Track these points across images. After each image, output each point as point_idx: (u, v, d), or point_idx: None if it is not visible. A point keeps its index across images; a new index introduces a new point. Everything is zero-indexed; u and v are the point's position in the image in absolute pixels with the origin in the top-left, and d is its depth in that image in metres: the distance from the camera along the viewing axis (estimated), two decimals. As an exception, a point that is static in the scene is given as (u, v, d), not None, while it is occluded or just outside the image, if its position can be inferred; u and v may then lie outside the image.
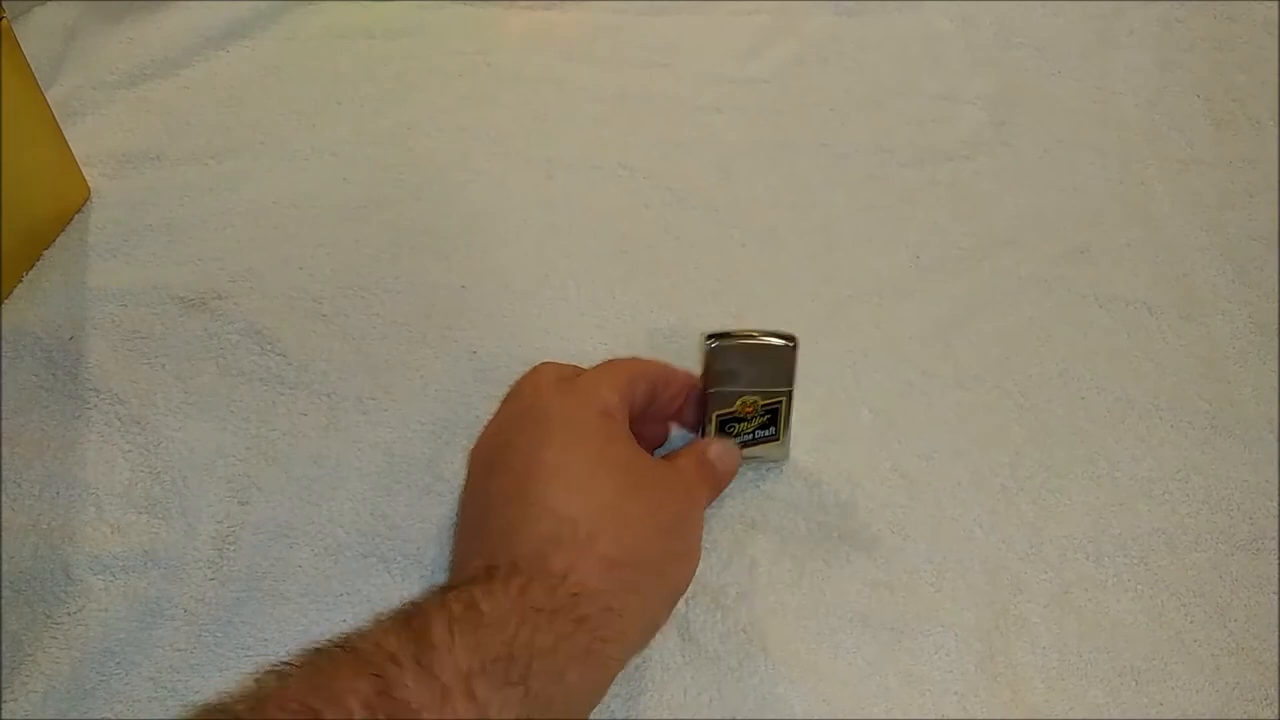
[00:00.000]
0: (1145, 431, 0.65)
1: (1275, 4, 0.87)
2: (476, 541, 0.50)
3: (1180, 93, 0.83)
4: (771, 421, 0.59)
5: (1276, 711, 0.56)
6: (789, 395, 0.59)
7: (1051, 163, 0.78)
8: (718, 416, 0.58)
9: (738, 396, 0.58)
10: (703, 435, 0.59)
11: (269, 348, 0.66)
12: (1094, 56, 0.85)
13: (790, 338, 0.57)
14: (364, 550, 0.59)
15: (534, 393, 0.54)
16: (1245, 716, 0.56)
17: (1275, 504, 0.63)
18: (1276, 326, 0.70)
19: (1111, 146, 0.79)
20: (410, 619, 0.41)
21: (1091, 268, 0.72)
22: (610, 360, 0.56)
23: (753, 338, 0.57)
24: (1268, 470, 0.64)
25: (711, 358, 0.57)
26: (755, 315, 0.69)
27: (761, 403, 0.58)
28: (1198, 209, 0.76)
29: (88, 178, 0.73)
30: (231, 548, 0.59)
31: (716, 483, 0.57)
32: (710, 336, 0.56)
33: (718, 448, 0.57)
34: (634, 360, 0.57)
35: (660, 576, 0.50)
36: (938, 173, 0.77)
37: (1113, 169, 0.78)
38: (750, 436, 0.59)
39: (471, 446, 0.57)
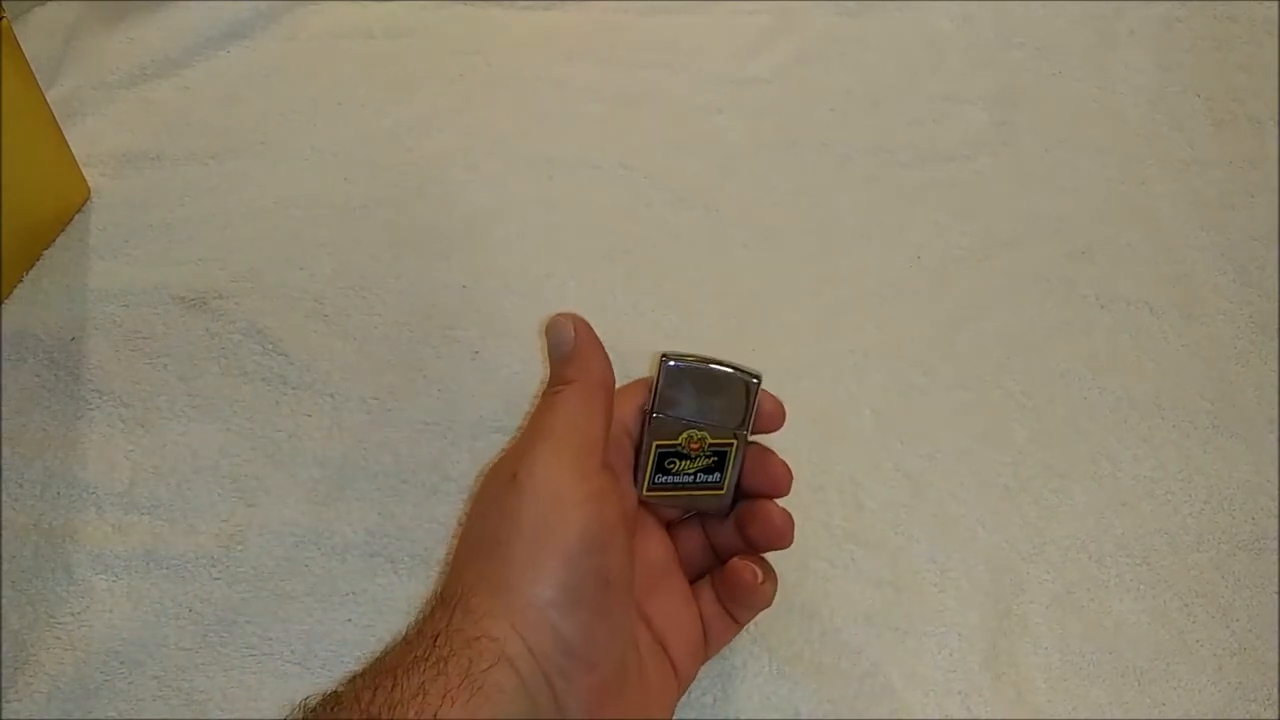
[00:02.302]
0: (1147, 431, 0.65)
1: (1275, 4, 0.87)
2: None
3: (1180, 93, 0.83)
4: (717, 466, 0.52)
5: (1278, 712, 0.56)
6: (743, 440, 0.52)
7: (1052, 163, 0.78)
8: (658, 448, 0.52)
9: (684, 429, 0.51)
10: (636, 468, 0.52)
11: (271, 348, 0.66)
12: (1094, 56, 0.85)
13: (755, 374, 0.51)
14: (371, 550, 0.59)
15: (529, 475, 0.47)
16: (1247, 716, 0.56)
17: (1277, 504, 0.63)
18: (1277, 326, 0.70)
19: (1111, 146, 0.79)
20: None
21: (1092, 268, 0.72)
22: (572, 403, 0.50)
23: (713, 363, 0.51)
24: (1269, 470, 0.64)
25: (663, 378, 0.51)
26: (755, 315, 0.69)
27: (710, 441, 0.51)
28: (1198, 209, 0.76)
29: (88, 178, 0.73)
30: (238, 548, 0.59)
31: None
32: (666, 355, 0.51)
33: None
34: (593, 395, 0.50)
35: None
36: (938, 173, 0.77)
37: (1113, 169, 0.78)
38: (691, 478, 0.52)
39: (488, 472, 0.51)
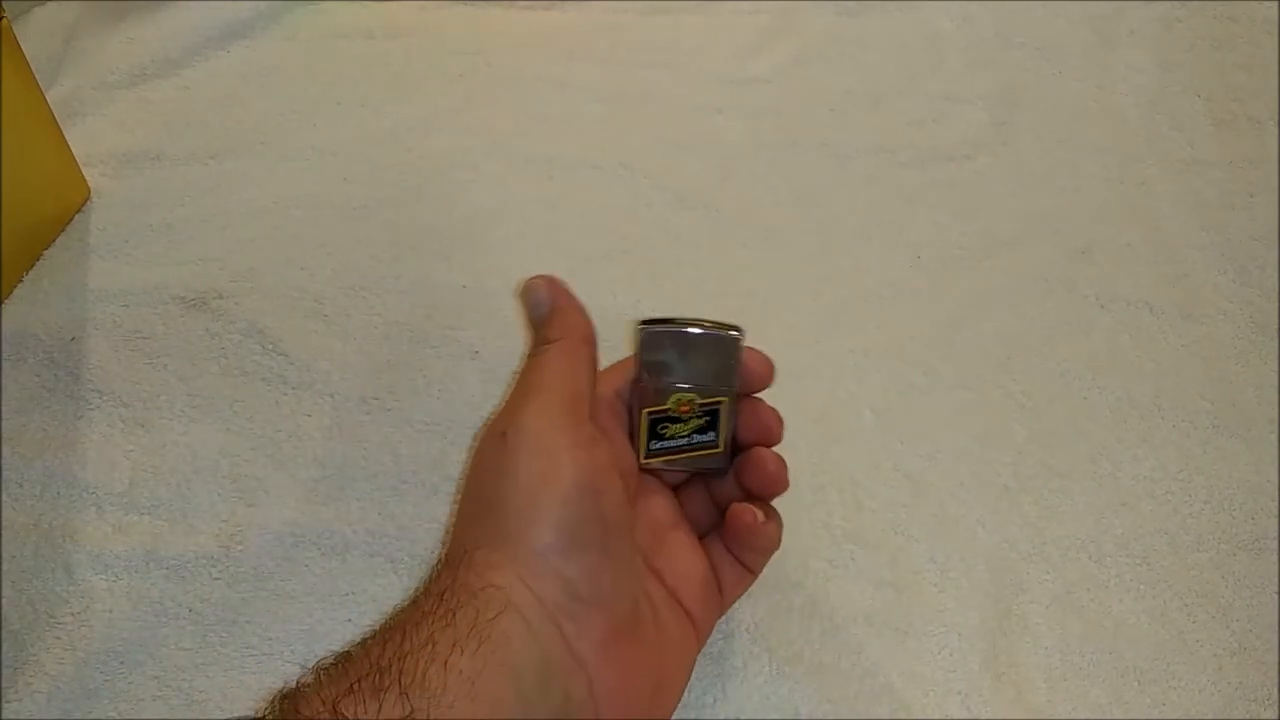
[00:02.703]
0: (1147, 431, 0.65)
1: (1275, 4, 0.87)
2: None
3: (1180, 93, 0.83)
4: (710, 425, 0.52)
5: (1278, 712, 0.56)
6: (732, 397, 0.52)
7: (1052, 163, 0.78)
8: (649, 415, 0.52)
9: (671, 392, 0.51)
10: (633, 438, 0.52)
11: (271, 348, 0.66)
12: (1094, 56, 0.85)
13: (735, 328, 0.51)
14: (371, 550, 0.59)
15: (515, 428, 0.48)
16: (1247, 717, 0.56)
17: (1277, 504, 0.63)
18: (1277, 326, 0.70)
19: (1111, 146, 0.79)
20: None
21: (1092, 268, 0.72)
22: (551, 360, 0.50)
23: (692, 324, 0.51)
24: (1269, 470, 0.64)
25: (643, 345, 0.51)
26: (755, 315, 0.69)
27: (699, 402, 0.51)
28: (1198, 209, 0.76)
29: (88, 178, 0.73)
30: (238, 548, 0.59)
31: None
32: (644, 322, 0.51)
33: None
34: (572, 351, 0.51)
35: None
36: (938, 173, 0.77)
37: (1113, 169, 0.78)
38: (686, 440, 0.52)
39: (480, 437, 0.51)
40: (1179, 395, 0.67)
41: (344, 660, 0.41)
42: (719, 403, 0.52)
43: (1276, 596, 0.60)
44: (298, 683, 0.41)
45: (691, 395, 0.51)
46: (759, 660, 0.56)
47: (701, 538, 0.54)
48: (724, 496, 0.54)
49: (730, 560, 0.53)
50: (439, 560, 0.46)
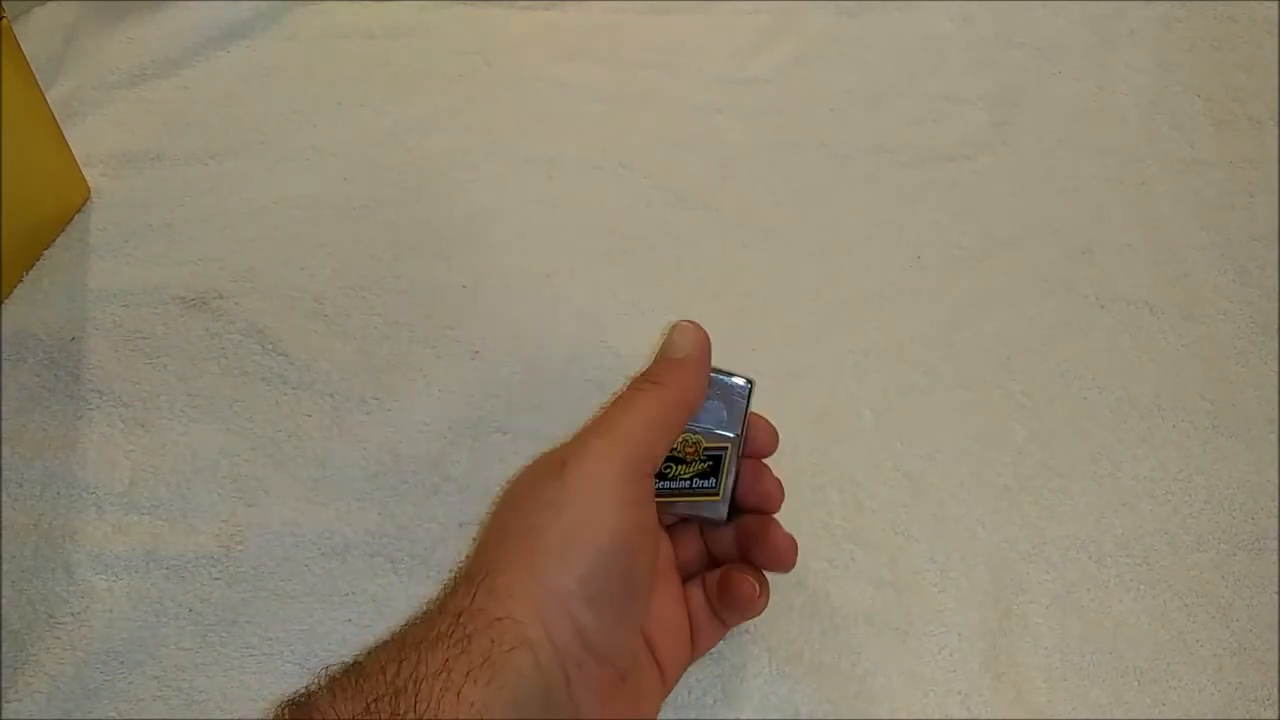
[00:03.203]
0: (1147, 431, 0.65)
1: (1275, 4, 0.87)
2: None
3: (1180, 93, 0.83)
4: (712, 471, 0.52)
5: (1278, 712, 0.56)
6: (737, 446, 0.52)
7: (1052, 163, 0.78)
8: None
9: (680, 435, 0.51)
10: None
11: (271, 348, 0.66)
12: (1094, 56, 0.85)
13: (747, 380, 0.53)
14: (371, 550, 0.59)
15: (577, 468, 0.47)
16: (1247, 717, 0.56)
17: (1277, 504, 0.63)
18: (1277, 326, 0.70)
19: (1111, 146, 0.79)
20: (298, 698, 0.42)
21: (1093, 268, 0.72)
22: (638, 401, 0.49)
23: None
24: (1269, 470, 0.64)
25: None
26: (755, 315, 0.69)
27: (704, 446, 0.52)
28: (1198, 209, 0.76)
29: (88, 178, 0.73)
30: (238, 548, 0.59)
31: None
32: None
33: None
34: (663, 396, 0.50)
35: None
36: (938, 173, 0.77)
37: (1113, 169, 0.78)
38: (687, 484, 0.52)
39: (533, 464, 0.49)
40: (1179, 395, 0.67)
41: (357, 674, 0.41)
42: (723, 449, 0.52)
43: (1276, 596, 0.60)
44: (307, 690, 0.41)
45: (697, 438, 0.52)
46: (759, 660, 0.56)
47: (686, 580, 0.54)
48: (719, 548, 0.55)
49: (709, 615, 0.53)
50: (460, 572, 0.46)
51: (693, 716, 0.54)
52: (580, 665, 0.43)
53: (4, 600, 0.57)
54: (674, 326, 0.51)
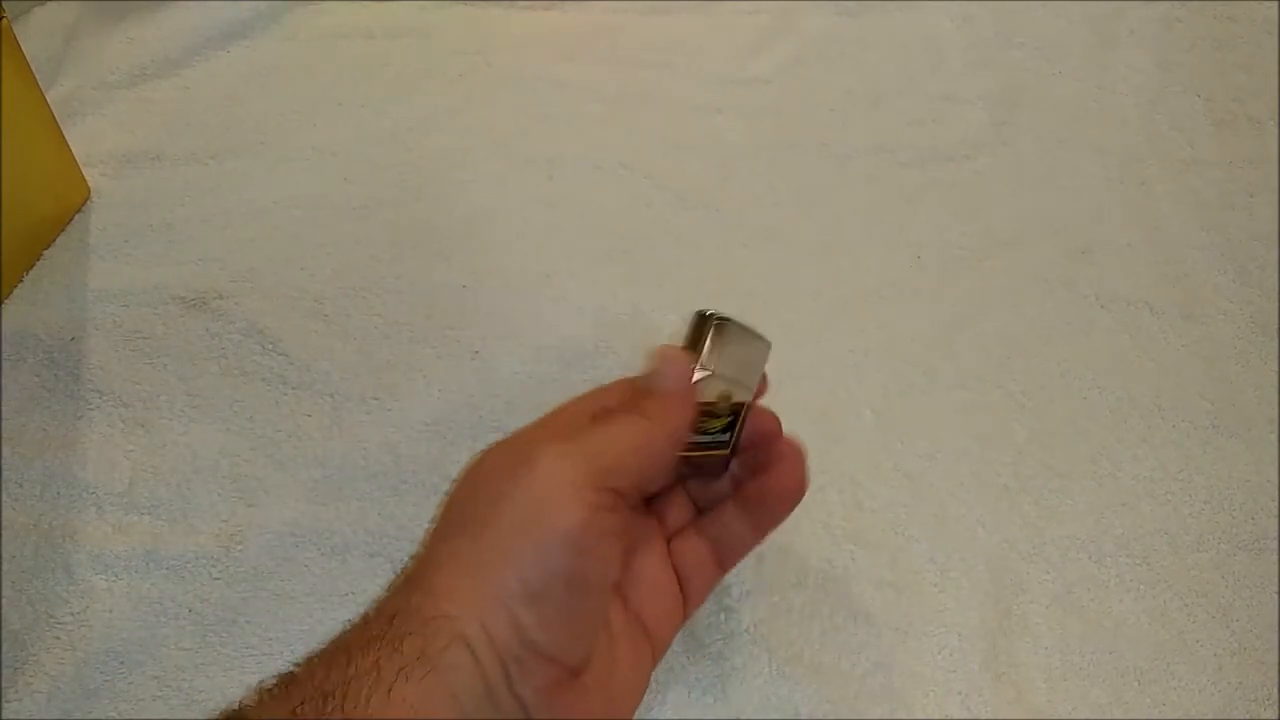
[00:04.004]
0: (1147, 431, 0.65)
1: (1275, 4, 0.87)
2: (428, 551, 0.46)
3: (1180, 93, 0.83)
4: (731, 426, 0.50)
5: (1278, 712, 0.56)
6: (750, 404, 0.51)
7: (1052, 163, 0.78)
8: (702, 407, 0.49)
9: (721, 386, 0.49)
10: None
11: (271, 348, 0.66)
12: (1094, 56, 0.85)
13: (768, 342, 0.51)
14: (371, 550, 0.59)
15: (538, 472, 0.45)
16: (1247, 717, 0.56)
17: (1277, 504, 0.63)
18: (1277, 326, 0.70)
19: (1111, 146, 0.79)
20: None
21: (1092, 268, 0.72)
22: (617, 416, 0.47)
23: (742, 323, 0.50)
24: (1269, 470, 0.64)
25: (712, 334, 0.49)
26: (755, 315, 0.69)
27: (732, 401, 0.50)
28: (1198, 209, 0.76)
29: (88, 178, 0.73)
30: (238, 548, 0.59)
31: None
32: (709, 312, 0.49)
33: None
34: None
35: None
36: (938, 173, 0.77)
37: (1113, 169, 0.78)
38: (711, 438, 0.50)
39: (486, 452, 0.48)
40: (1179, 395, 0.67)
41: (288, 682, 0.40)
42: (743, 405, 0.50)
43: (1276, 596, 0.60)
44: (240, 704, 0.40)
45: (729, 391, 0.50)
46: (759, 660, 0.56)
47: (670, 541, 0.52)
48: (708, 497, 0.53)
49: (699, 565, 0.51)
50: (401, 573, 0.44)
51: (693, 716, 0.54)
52: (520, 662, 0.42)
53: (4, 600, 0.57)
54: (658, 354, 0.48)
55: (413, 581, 0.43)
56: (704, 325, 0.49)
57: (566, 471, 0.44)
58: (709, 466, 0.52)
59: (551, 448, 0.45)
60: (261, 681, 0.41)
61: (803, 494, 0.51)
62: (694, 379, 0.49)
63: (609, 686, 0.46)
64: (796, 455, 0.52)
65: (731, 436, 0.51)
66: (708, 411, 0.50)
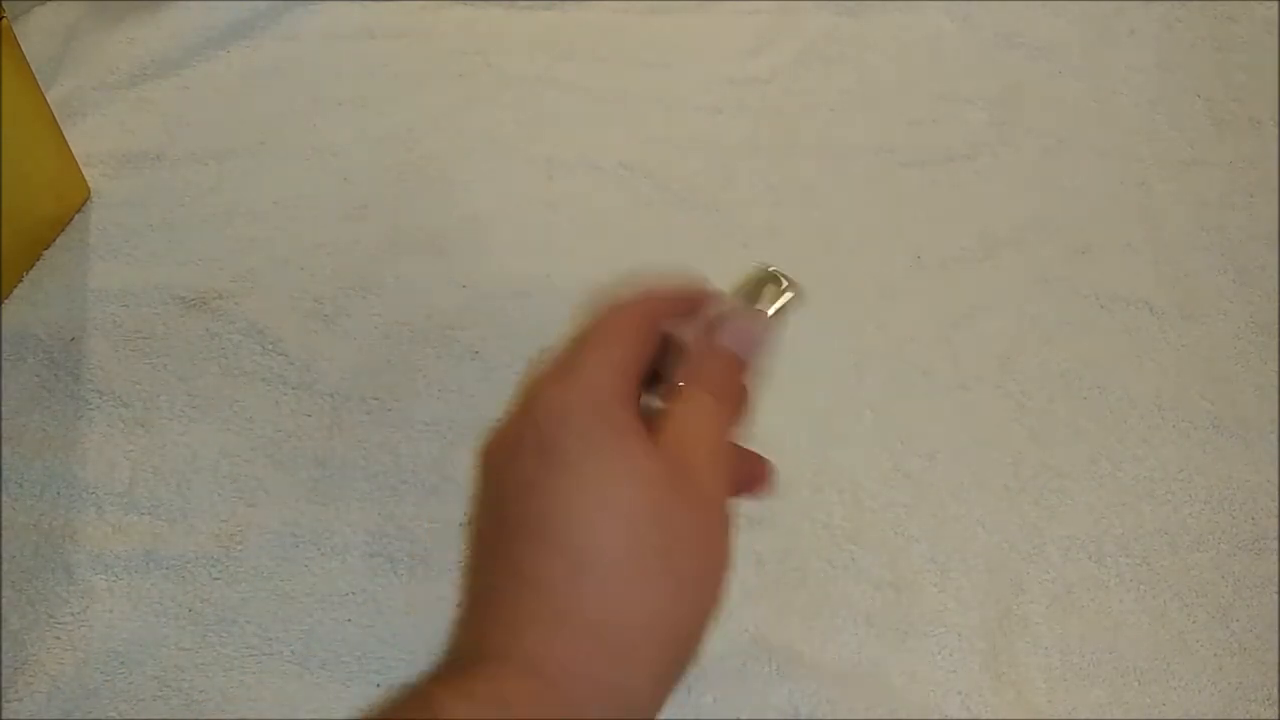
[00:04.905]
0: (1147, 431, 0.65)
1: (1275, 4, 0.87)
2: (481, 595, 0.35)
3: (1180, 93, 0.83)
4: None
5: (1278, 712, 0.56)
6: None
7: (1052, 163, 0.78)
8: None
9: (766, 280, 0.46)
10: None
11: (271, 347, 0.66)
12: (1094, 56, 0.85)
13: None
14: (370, 550, 0.59)
15: (542, 417, 0.36)
16: (1247, 716, 0.56)
17: (1277, 504, 0.63)
18: (1277, 326, 0.70)
19: (1111, 146, 0.79)
20: None
21: (1092, 268, 0.72)
22: (603, 321, 0.40)
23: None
24: (1269, 470, 0.64)
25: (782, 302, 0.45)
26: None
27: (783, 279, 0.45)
28: (1198, 209, 0.76)
29: (88, 178, 0.73)
30: (238, 548, 0.59)
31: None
32: (770, 269, 0.46)
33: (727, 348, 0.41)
34: (630, 310, 0.40)
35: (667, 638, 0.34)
36: (938, 173, 0.77)
37: (1113, 169, 0.78)
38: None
39: (483, 448, 0.38)
40: (1179, 395, 0.67)
41: None
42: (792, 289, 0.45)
43: (1276, 596, 0.60)
44: None
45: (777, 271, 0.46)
46: (759, 660, 0.56)
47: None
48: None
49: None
50: (455, 637, 0.35)
51: (693, 716, 0.54)
52: None
53: (4, 600, 0.57)
54: (751, 311, 0.43)
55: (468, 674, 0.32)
56: (764, 281, 0.45)
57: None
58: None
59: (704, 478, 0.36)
60: None
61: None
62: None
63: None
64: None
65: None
66: None
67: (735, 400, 0.40)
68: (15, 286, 0.68)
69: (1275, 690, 0.57)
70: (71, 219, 0.71)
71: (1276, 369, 0.68)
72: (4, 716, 0.53)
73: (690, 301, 0.44)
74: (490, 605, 0.34)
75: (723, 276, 0.70)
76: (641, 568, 0.33)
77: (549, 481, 0.34)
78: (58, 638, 0.56)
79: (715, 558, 0.35)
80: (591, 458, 0.34)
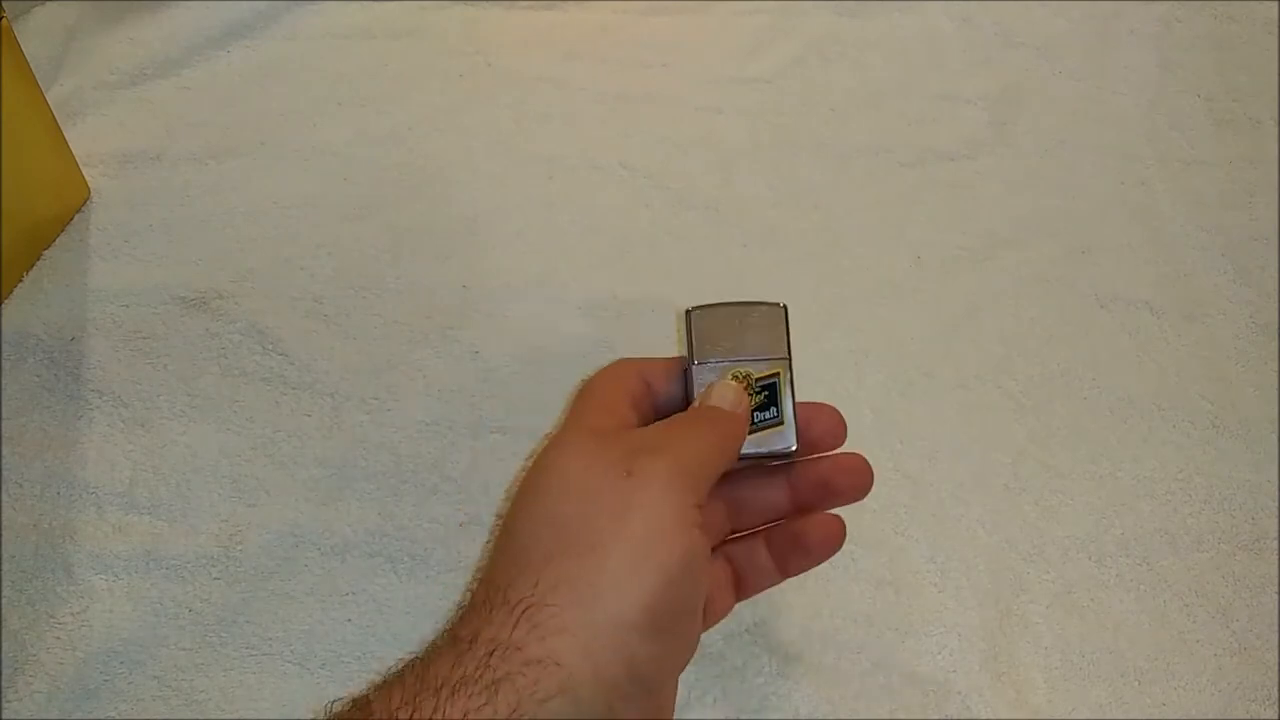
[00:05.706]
0: (1147, 431, 0.65)
1: (1275, 4, 0.87)
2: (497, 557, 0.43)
3: (1180, 93, 0.83)
4: (770, 401, 0.49)
5: (1278, 712, 0.56)
6: (787, 367, 0.49)
7: (1051, 163, 0.78)
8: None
9: (727, 369, 0.49)
10: None
11: (271, 348, 0.66)
12: (1094, 56, 0.85)
13: (779, 303, 0.50)
14: (370, 550, 0.59)
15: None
16: (1247, 717, 0.56)
17: (1277, 504, 0.63)
18: (1277, 326, 0.70)
19: (1111, 146, 0.79)
20: None
21: (1093, 268, 0.72)
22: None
23: (736, 302, 0.50)
24: (1269, 470, 0.64)
25: (693, 326, 0.49)
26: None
27: (756, 377, 0.49)
28: (1198, 209, 0.76)
29: (88, 178, 0.73)
30: (238, 548, 0.59)
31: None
32: (691, 308, 0.49)
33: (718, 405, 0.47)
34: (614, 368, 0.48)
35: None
36: (938, 173, 0.77)
37: (1113, 169, 0.78)
38: (761, 419, 0.49)
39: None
40: (1179, 395, 0.67)
41: (363, 705, 0.37)
42: (776, 375, 0.49)
43: (1276, 596, 0.60)
44: None
45: (747, 370, 0.49)
46: (759, 660, 0.56)
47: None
48: (754, 509, 0.51)
49: (718, 584, 0.49)
50: (495, 588, 0.40)
51: (693, 716, 0.54)
52: (627, 698, 0.39)
53: (4, 600, 0.57)
54: (720, 384, 0.48)
55: (514, 603, 0.39)
56: (684, 324, 0.49)
57: (677, 490, 0.41)
58: (778, 446, 0.49)
59: (665, 461, 0.42)
60: (330, 704, 0.39)
61: (838, 547, 0.49)
62: (689, 373, 0.49)
63: (666, 706, 0.44)
64: (851, 490, 0.50)
65: (779, 410, 0.49)
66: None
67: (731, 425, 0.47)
68: (15, 286, 0.68)
69: (1275, 690, 0.57)
70: (71, 219, 0.71)
71: (1276, 369, 0.68)
72: (4, 716, 0.53)
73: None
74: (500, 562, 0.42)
75: (723, 276, 0.71)
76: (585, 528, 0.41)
77: (627, 508, 0.41)
78: (58, 638, 0.56)
79: (636, 526, 0.40)
80: (661, 527, 0.41)
